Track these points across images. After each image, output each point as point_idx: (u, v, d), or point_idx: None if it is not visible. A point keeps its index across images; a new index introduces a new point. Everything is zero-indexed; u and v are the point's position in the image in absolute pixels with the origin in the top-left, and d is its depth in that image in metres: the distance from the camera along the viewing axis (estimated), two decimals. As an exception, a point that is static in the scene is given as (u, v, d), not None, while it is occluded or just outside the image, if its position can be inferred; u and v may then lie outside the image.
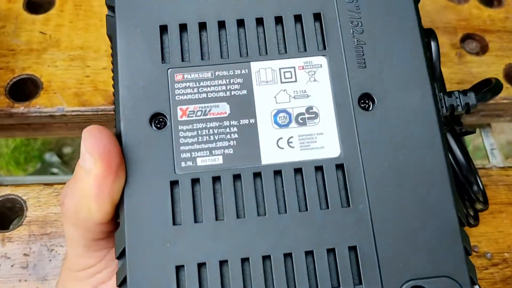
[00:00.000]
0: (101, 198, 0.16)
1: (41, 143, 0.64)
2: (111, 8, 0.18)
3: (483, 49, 0.32)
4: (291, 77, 0.18)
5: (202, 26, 0.18)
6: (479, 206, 0.25)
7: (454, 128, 0.23)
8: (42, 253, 0.25)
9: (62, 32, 0.30)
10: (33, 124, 0.30)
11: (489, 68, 0.31)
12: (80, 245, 0.17)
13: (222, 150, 0.17)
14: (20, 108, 0.28)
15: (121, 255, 0.16)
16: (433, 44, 0.22)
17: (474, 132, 0.25)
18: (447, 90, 0.21)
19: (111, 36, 0.18)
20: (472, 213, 0.26)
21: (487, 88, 0.20)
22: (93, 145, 0.16)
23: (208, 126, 0.17)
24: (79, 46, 0.30)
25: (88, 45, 0.29)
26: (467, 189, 0.24)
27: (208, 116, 0.17)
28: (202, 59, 0.18)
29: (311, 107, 0.18)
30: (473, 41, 0.32)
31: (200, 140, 0.17)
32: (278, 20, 0.18)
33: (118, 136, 0.17)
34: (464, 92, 0.20)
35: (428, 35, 0.22)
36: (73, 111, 0.28)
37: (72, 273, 0.18)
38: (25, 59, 0.29)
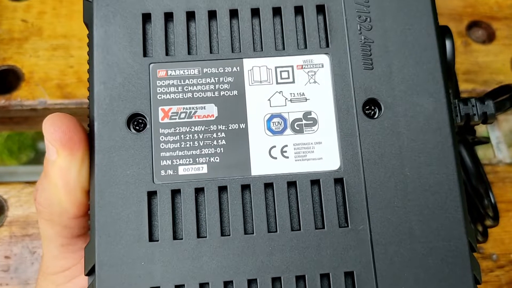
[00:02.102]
0: (69, 188, 0.15)
1: (35, 132, 0.63)
2: None
3: (490, 37, 0.30)
4: (288, 78, 0.16)
5: (191, 15, 0.16)
6: (488, 222, 0.23)
7: (466, 138, 0.21)
8: (24, 255, 0.25)
9: (45, 19, 0.28)
10: (15, 118, 0.28)
11: (496, 57, 0.29)
12: (56, 245, 0.17)
13: (208, 158, 0.15)
14: (1, 101, 0.27)
15: (90, 272, 0.15)
16: (448, 43, 0.20)
17: (488, 142, 0.23)
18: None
19: (88, 24, 0.16)
20: (480, 229, 0.24)
21: (507, 96, 0.18)
22: (53, 135, 0.15)
23: (192, 130, 0.16)
24: (62, 34, 0.28)
25: (72, 34, 0.28)
26: (476, 203, 0.23)
27: (193, 119, 0.16)
28: (189, 53, 0.16)
29: (309, 113, 0.16)
30: (480, 29, 0.30)
31: (183, 146, 0.15)
32: (277, 11, 0.17)
33: (91, 138, 0.15)
34: (482, 100, 0.18)
35: (442, 33, 0.20)
36: (56, 104, 0.27)
37: (48, 277, 0.17)
38: (6, 49, 0.28)
